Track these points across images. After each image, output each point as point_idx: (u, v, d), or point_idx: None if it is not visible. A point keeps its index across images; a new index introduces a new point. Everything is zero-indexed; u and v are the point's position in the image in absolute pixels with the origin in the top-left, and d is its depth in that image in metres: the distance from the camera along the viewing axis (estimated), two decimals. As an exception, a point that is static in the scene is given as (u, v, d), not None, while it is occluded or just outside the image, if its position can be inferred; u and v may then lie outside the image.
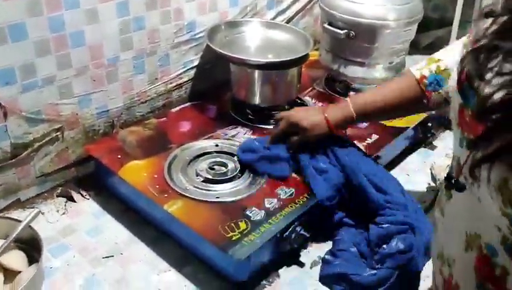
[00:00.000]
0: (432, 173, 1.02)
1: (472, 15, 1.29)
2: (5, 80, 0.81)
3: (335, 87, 1.21)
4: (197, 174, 0.88)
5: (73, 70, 0.89)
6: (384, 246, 0.76)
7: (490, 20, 0.53)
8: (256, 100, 1.06)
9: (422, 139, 1.11)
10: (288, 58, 1.01)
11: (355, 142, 0.97)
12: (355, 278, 0.73)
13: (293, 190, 0.84)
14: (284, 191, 0.84)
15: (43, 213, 0.88)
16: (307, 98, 1.15)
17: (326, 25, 1.14)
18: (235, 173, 0.88)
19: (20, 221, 0.76)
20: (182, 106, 1.10)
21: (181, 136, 0.98)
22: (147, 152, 0.92)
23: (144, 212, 0.88)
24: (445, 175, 0.63)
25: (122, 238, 0.85)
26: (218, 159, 0.92)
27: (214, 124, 1.03)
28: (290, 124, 0.90)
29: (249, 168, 0.89)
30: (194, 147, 0.95)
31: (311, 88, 1.20)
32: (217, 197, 0.83)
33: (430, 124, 1.10)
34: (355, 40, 1.11)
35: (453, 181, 0.55)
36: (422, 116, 1.06)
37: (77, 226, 0.87)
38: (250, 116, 1.06)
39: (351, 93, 1.17)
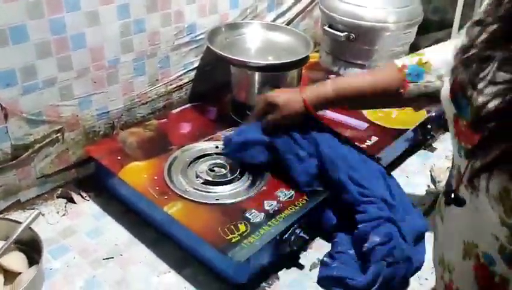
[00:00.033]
0: (431, 175, 1.02)
1: (472, 17, 1.29)
2: (6, 81, 0.81)
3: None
4: (197, 176, 0.88)
5: (74, 72, 0.90)
6: (365, 244, 0.76)
7: (479, 28, 0.53)
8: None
9: (422, 141, 1.12)
10: (289, 61, 1.02)
11: (355, 143, 0.97)
12: (351, 283, 0.74)
13: (293, 192, 0.84)
14: (283, 194, 0.84)
15: (43, 214, 0.88)
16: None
17: (326, 28, 1.15)
18: (234, 175, 0.88)
19: (20, 222, 0.76)
20: (183, 107, 1.10)
21: (181, 137, 0.98)
22: (147, 153, 0.92)
23: (144, 214, 0.88)
24: (445, 188, 0.63)
25: (122, 240, 0.85)
26: (218, 161, 0.92)
27: (214, 126, 1.03)
28: (265, 102, 0.88)
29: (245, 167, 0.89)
30: (194, 148, 0.95)
31: (311, 90, 1.20)
32: (216, 199, 0.83)
33: (429, 126, 1.10)
34: (355, 42, 1.12)
35: (452, 196, 0.55)
36: (422, 117, 1.06)
37: (77, 228, 0.87)
38: (250, 118, 1.07)
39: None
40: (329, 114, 1.04)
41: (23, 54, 0.81)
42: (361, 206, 0.79)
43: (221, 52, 1.01)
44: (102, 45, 0.92)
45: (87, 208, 0.92)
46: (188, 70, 1.12)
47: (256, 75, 1.03)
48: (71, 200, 0.93)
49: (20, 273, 0.73)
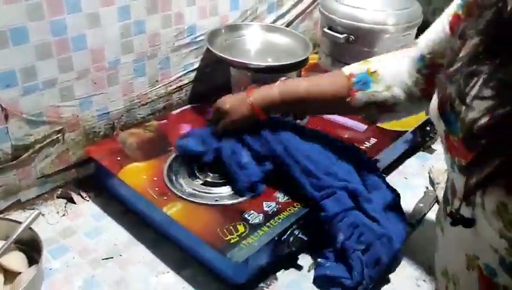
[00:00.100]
0: (430, 177, 1.02)
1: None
2: (6, 82, 0.81)
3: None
4: (197, 177, 0.89)
5: (74, 73, 0.90)
6: (337, 244, 0.77)
7: (461, 41, 0.53)
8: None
9: (420, 142, 1.12)
10: (288, 62, 1.02)
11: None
12: (345, 282, 0.74)
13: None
14: (282, 195, 0.84)
15: (43, 214, 0.88)
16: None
17: (326, 29, 1.15)
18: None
19: (20, 222, 0.76)
20: (182, 108, 1.11)
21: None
22: (147, 154, 0.93)
23: (144, 214, 0.88)
24: (443, 202, 0.63)
25: (122, 240, 0.85)
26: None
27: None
28: (214, 109, 0.88)
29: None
30: (194, 149, 0.96)
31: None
32: (216, 200, 0.83)
33: (428, 128, 1.10)
34: (354, 44, 1.12)
35: (458, 216, 0.54)
36: (421, 119, 1.07)
37: (77, 228, 0.87)
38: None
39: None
40: (329, 115, 1.04)
41: (24, 55, 0.82)
42: (321, 203, 0.79)
43: (221, 54, 1.02)
44: (102, 46, 0.92)
45: (87, 208, 0.92)
46: (188, 72, 1.12)
47: (256, 77, 1.03)
48: (71, 200, 0.93)
49: (20, 273, 0.73)
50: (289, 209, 0.81)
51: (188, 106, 1.12)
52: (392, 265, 0.80)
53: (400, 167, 1.07)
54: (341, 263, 0.76)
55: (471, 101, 0.49)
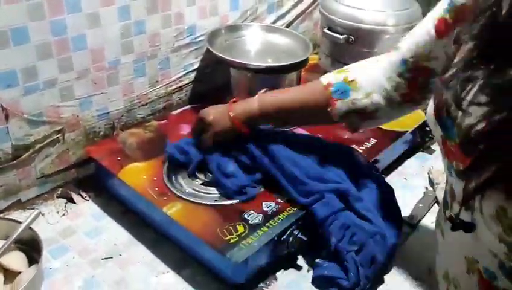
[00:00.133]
0: (429, 177, 1.03)
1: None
2: (7, 82, 0.82)
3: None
4: (196, 177, 0.89)
5: (74, 73, 0.90)
6: (331, 248, 0.77)
7: (455, 46, 0.53)
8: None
9: (420, 143, 1.12)
10: (288, 63, 1.02)
11: (354, 146, 0.98)
12: (342, 282, 0.74)
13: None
14: (282, 195, 0.84)
15: (43, 214, 0.88)
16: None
17: (326, 30, 1.15)
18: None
19: (20, 222, 0.76)
20: (182, 108, 1.11)
21: (181, 138, 0.99)
22: (147, 154, 0.93)
23: (143, 214, 0.89)
24: (443, 206, 0.63)
25: (122, 240, 0.85)
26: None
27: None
28: (197, 120, 0.88)
29: None
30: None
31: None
32: (215, 200, 0.83)
33: (428, 128, 1.10)
34: (354, 45, 1.12)
35: (458, 221, 0.54)
36: (420, 119, 1.07)
37: (77, 228, 0.87)
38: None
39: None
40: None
41: (24, 55, 0.82)
42: (311, 208, 0.79)
43: (221, 55, 1.02)
44: (102, 46, 0.92)
45: (86, 208, 0.92)
46: (188, 72, 1.12)
47: (256, 78, 1.04)
48: (71, 200, 0.93)
49: (20, 272, 0.73)
50: (288, 210, 0.81)
51: (188, 106, 1.12)
52: (389, 262, 0.80)
53: (400, 168, 1.07)
54: (337, 264, 0.76)
55: (468, 106, 0.49)
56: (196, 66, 1.13)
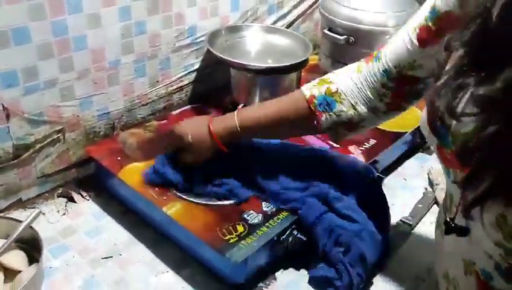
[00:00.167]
0: (429, 178, 1.03)
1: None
2: (8, 82, 0.82)
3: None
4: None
5: (75, 73, 0.90)
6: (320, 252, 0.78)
7: (446, 53, 0.53)
8: (256, 104, 1.07)
9: (419, 144, 1.12)
10: (288, 64, 1.03)
11: (353, 146, 0.98)
12: (337, 283, 0.74)
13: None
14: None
15: (43, 213, 0.89)
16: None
17: (326, 31, 1.15)
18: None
19: (21, 221, 0.76)
20: (182, 108, 1.11)
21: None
22: (147, 154, 0.93)
23: (143, 214, 0.89)
24: (443, 211, 0.63)
25: (122, 240, 0.85)
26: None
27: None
28: (172, 137, 0.83)
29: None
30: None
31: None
32: (215, 201, 0.83)
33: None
34: (354, 46, 1.12)
35: (452, 225, 0.55)
36: (420, 120, 1.07)
37: (77, 227, 0.88)
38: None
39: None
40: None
41: (25, 55, 0.82)
42: (299, 213, 0.79)
43: (221, 55, 1.02)
44: (103, 46, 0.93)
45: (87, 207, 0.92)
46: (189, 72, 1.12)
47: (256, 78, 1.04)
48: (71, 199, 0.93)
49: (20, 271, 0.73)
50: (288, 210, 0.81)
51: (188, 107, 1.12)
52: (384, 255, 0.80)
53: (399, 168, 1.07)
54: (330, 266, 0.77)
55: (461, 116, 0.49)
56: (196, 66, 1.13)
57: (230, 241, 0.74)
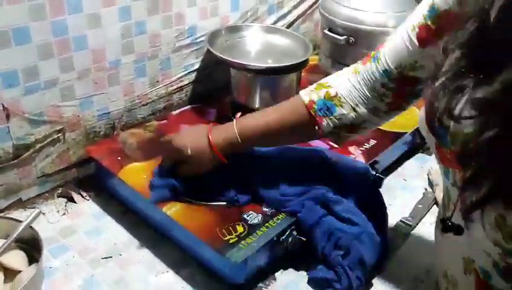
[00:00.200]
0: (429, 178, 1.03)
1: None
2: (8, 82, 0.82)
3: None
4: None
5: (75, 73, 0.90)
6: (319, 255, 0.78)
7: (443, 55, 0.53)
8: (256, 104, 1.07)
9: (419, 144, 1.12)
10: (288, 64, 1.03)
11: (354, 147, 0.98)
12: (336, 286, 0.75)
13: (291, 194, 0.85)
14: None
15: (43, 213, 0.89)
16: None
17: (326, 31, 1.15)
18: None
19: (21, 221, 0.76)
20: (183, 108, 1.11)
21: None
22: (147, 154, 0.93)
23: (143, 214, 0.89)
24: (442, 211, 0.63)
25: (122, 240, 0.86)
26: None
27: (214, 128, 1.04)
28: (172, 151, 0.81)
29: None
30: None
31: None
32: (215, 200, 0.83)
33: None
34: (355, 46, 1.12)
35: (449, 223, 0.55)
36: (420, 122, 1.07)
37: (77, 227, 0.88)
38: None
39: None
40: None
41: (26, 55, 0.82)
42: (299, 217, 0.79)
43: (221, 55, 1.02)
44: (103, 46, 0.93)
45: (87, 207, 0.92)
46: (189, 72, 1.12)
47: (256, 78, 1.04)
48: (71, 199, 0.94)
49: (20, 271, 0.73)
50: (287, 213, 0.81)
51: (188, 107, 1.12)
52: (383, 258, 0.80)
53: (399, 169, 1.07)
54: (329, 268, 0.77)
55: (459, 118, 0.49)
56: (196, 66, 1.14)
57: (230, 242, 0.74)
